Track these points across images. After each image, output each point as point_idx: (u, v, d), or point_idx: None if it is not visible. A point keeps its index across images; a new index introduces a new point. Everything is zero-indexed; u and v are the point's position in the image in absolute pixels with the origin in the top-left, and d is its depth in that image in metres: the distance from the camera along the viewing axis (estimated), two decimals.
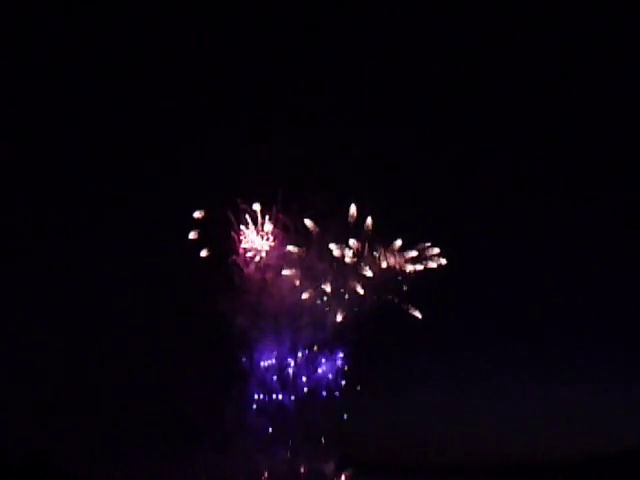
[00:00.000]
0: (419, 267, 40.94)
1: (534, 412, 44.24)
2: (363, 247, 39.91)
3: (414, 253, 40.92)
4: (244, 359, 40.18)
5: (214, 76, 40.43)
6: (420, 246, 40.91)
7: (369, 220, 39.74)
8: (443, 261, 41.11)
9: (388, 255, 40.42)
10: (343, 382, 40.72)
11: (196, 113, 40.10)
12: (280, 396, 40.40)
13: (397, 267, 40.58)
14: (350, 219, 39.68)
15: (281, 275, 39.25)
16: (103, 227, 39.77)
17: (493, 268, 43.16)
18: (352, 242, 39.65)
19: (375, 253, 40.31)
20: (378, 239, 40.29)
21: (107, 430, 38.15)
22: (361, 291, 39.92)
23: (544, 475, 43.74)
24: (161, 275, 38.62)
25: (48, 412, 37.91)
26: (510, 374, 44.20)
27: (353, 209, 39.64)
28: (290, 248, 39.58)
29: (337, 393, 40.68)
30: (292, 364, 40.60)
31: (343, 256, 39.70)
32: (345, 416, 40.12)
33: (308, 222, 39.49)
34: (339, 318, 39.87)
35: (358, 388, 40.61)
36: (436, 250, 40.94)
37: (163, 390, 38.76)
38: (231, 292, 39.00)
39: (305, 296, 39.59)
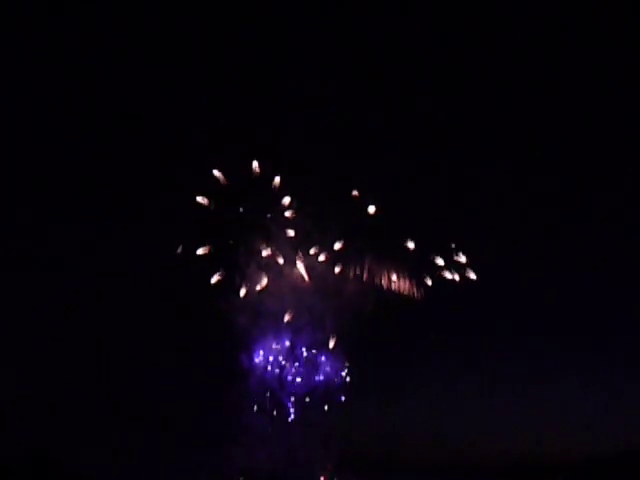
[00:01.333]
0: (448, 275, 36.11)
1: (534, 412, 44.45)
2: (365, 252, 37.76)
3: (440, 261, 35.86)
4: (244, 359, 40.13)
5: (213, 75, 40.36)
6: (448, 247, 35.85)
7: (372, 208, 36.97)
8: (472, 275, 36.17)
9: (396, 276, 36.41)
10: (342, 382, 40.71)
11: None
12: (280, 396, 40.35)
13: (405, 291, 37.01)
14: (353, 197, 36.56)
15: (282, 276, 39.20)
16: (103, 227, 39.76)
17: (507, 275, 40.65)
18: (337, 245, 37.43)
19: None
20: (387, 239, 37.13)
21: (107, 430, 38.23)
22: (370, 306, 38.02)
23: (544, 475, 43.83)
24: (161, 276, 38.63)
25: (48, 412, 37.96)
26: (510, 374, 44.37)
27: (355, 193, 36.92)
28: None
29: (336, 392, 40.62)
30: (292, 364, 40.55)
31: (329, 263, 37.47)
32: (344, 415, 40.29)
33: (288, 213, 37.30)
34: (331, 345, 38.58)
35: (357, 388, 40.65)
36: (463, 259, 36.18)
37: (162, 390, 38.86)
38: (231, 292, 38.97)
39: (287, 318, 38.70)
